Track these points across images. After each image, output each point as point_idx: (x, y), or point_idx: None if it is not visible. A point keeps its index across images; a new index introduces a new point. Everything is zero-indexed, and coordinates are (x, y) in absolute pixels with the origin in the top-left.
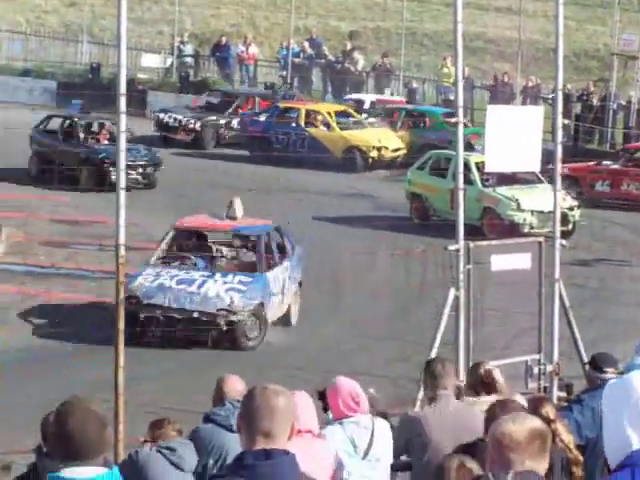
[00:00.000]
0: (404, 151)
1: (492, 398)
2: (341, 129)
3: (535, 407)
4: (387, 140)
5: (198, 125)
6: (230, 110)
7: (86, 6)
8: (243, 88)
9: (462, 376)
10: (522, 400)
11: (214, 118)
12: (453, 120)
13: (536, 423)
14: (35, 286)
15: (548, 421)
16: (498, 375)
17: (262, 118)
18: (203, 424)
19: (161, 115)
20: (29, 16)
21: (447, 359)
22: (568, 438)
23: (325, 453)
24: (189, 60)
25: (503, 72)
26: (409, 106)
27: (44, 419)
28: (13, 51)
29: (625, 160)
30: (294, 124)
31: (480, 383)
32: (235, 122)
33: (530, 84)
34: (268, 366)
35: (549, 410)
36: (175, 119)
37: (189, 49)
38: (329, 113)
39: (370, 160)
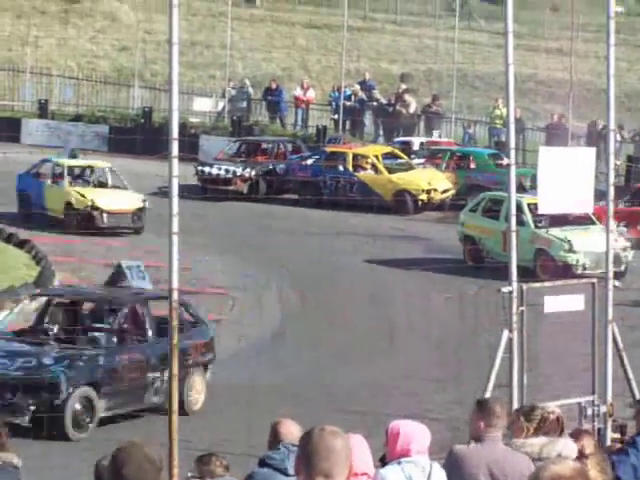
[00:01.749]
0: (453, 192)
1: (542, 441)
2: (389, 171)
3: (574, 439)
4: (436, 182)
5: (254, 174)
6: (271, 158)
7: (137, 51)
8: (267, 137)
9: None
10: (571, 443)
11: (263, 166)
12: (505, 162)
13: (575, 464)
14: None
15: (582, 454)
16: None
17: (309, 162)
18: (258, 468)
19: (206, 169)
20: (80, 61)
21: (500, 399)
22: (594, 475)
23: None
24: (243, 104)
25: (560, 114)
26: (453, 147)
27: (97, 463)
28: (65, 96)
29: (631, 199)
30: (342, 168)
31: (547, 426)
32: (278, 168)
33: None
34: (322, 408)
35: (585, 444)
36: (227, 170)
37: (250, 92)
38: (376, 156)
39: (420, 203)
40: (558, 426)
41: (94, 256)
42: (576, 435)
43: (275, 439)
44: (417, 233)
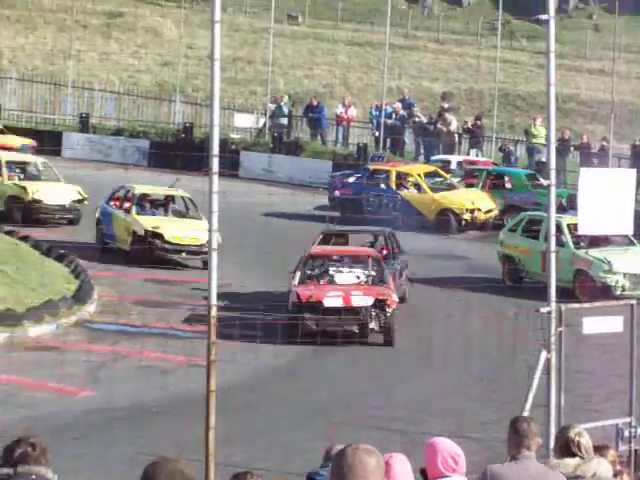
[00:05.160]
0: (496, 212)
1: (576, 461)
2: (432, 190)
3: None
4: (480, 202)
5: None
6: None
7: (179, 66)
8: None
9: (553, 438)
10: (605, 462)
11: None
12: (545, 183)
13: None
14: (127, 345)
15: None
16: (586, 439)
17: (351, 180)
18: None
19: None
20: (122, 75)
21: (533, 418)
22: None
23: None
24: (284, 120)
25: (602, 137)
26: (490, 167)
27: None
28: (106, 110)
29: None
30: (384, 186)
31: (567, 446)
32: None
33: None
34: (360, 426)
35: (611, 457)
36: None
37: (284, 110)
38: (419, 175)
39: (463, 222)
40: (591, 449)
41: (133, 270)
42: (600, 450)
43: (327, 459)
44: (458, 252)
